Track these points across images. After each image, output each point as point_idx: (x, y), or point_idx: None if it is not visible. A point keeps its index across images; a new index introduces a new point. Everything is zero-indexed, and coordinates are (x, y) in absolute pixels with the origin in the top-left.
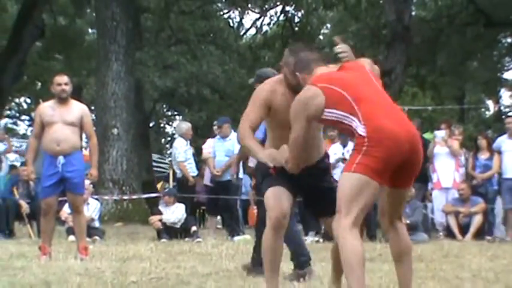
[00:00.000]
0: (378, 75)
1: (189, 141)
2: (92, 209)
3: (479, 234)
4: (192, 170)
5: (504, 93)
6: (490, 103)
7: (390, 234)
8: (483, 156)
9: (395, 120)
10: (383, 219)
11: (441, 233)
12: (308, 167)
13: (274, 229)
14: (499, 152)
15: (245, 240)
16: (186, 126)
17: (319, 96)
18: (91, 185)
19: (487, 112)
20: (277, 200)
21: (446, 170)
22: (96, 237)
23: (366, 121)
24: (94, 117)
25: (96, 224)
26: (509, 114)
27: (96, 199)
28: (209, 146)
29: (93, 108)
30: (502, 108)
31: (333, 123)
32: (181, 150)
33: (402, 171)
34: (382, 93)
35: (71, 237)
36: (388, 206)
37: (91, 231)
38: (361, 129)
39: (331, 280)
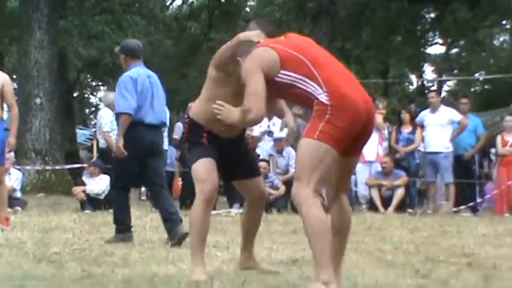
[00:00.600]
0: None
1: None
2: (13, 179)
3: (401, 207)
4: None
5: (427, 68)
6: (413, 77)
7: (333, 206)
8: (406, 130)
9: (355, 89)
10: (329, 190)
11: (364, 206)
12: (229, 138)
13: (206, 202)
14: (422, 126)
15: None
16: (112, 96)
17: (273, 53)
18: (12, 155)
19: (410, 86)
20: (209, 172)
21: (370, 143)
22: (18, 208)
23: (328, 88)
24: (16, 86)
25: (18, 194)
26: (432, 88)
27: (18, 169)
28: None
29: (15, 77)
30: (425, 82)
31: (286, 87)
32: (108, 121)
33: (356, 140)
34: (337, 61)
35: None
36: (337, 176)
37: (12, 202)
38: (323, 97)
39: (241, 248)
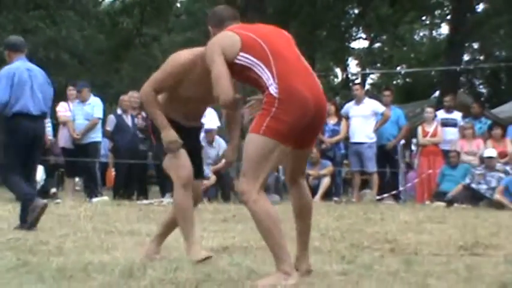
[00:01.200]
0: None
1: None
2: None
3: (327, 196)
4: (49, 133)
5: (351, 61)
6: (338, 71)
7: (292, 191)
8: (331, 121)
9: (308, 84)
10: (286, 177)
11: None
12: (194, 127)
13: (184, 187)
14: (347, 118)
15: (103, 201)
16: None
17: (235, 37)
18: None
19: (335, 79)
20: (183, 158)
21: None
22: None
23: (280, 80)
24: None
25: None
26: (356, 81)
27: None
28: (65, 109)
29: None
30: (349, 75)
31: (244, 69)
32: None
33: (307, 134)
34: (299, 55)
35: None
36: (291, 165)
37: None
38: (273, 88)
39: (156, 235)
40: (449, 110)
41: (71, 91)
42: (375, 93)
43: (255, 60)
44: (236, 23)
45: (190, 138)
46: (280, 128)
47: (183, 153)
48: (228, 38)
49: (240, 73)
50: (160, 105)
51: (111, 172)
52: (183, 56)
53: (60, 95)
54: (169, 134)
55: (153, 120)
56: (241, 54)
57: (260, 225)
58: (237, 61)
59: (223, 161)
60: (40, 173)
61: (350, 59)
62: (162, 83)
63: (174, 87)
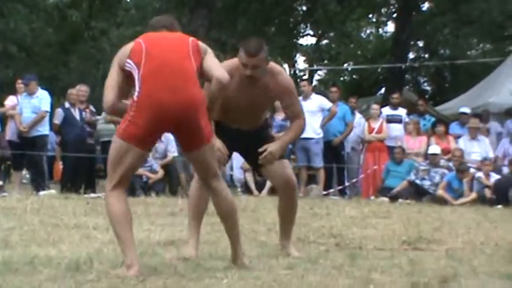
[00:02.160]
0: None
1: None
2: None
3: (274, 191)
4: None
5: (299, 58)
6: (286, 67)
7: (212, 196)
8: (279, 116)
9: (171, 87)
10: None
11: (239, 189)
12: (244, 132)
13: (198, 181)
14: None
15: (50, 194)
16: None
17: (130, 45)
18: None
19: None
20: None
21: None
22: None
23: (142, 83)
24: None
25: None
26: (304, 77)
27: None
28: (13, 103)
29: None
30: (297, 72)
31: (129, 74)
32: None
33: (181, 137)
34: (179, 59)
35: None
36: (195, 168)
37: None
38: (136, 93)
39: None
40: (395, 106)
41: (19, 84)
42: (322, 89)
43: (133, 64)
44: (169, 31)
45: (241, 140)
46: (134, 132)
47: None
48: (125, 47)
49: (129, 78)
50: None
51: (59, 165)
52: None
53: (8, 88)
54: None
55: None
56: (127, 60)
57: (110, 222)
58: (125, 67)
59: (170, 155)
60: None
61: (298, 55)
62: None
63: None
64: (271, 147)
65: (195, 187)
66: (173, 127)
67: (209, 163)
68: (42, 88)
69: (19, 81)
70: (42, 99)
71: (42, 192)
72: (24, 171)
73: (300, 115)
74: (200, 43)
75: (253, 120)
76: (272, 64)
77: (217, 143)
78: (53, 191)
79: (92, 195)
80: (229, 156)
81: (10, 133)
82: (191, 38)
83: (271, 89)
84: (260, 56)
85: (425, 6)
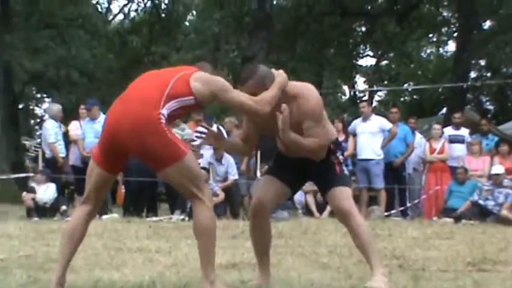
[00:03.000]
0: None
1: (59, 123)
2: None
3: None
4: (61, 151)
5: (359, 79)
6: (345, 88)
7: None
8: (339, 138)
9: (117, 110)
10: None
11: (300, 211)
12: (308, 161)
13: (251, 215)
14: (354, 135)
15: (113, 218)
16: (57, 108)
17: None
18: None
19: (343, 97)
20: (261, 188)
21: None
22: None
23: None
24: None
25: None
26: (364, 98)
27: None
28: (76, 128)
29: None
30: (356, 93)
31: None
32: (52, 132)
33: (141, 158)
34: (145, 86)
35: None
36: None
37: None
38: None
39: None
40: (457, 126)
41: (82, 110)
42: (382, 110)
43: None
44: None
45: (295, 165)
46: (96, 152)
47: (265, 183)
48: None
49: None
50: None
51: (121, 189)
52: None
53: (70, 113)
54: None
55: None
56: None
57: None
58: None
59: (230, 178)
60: (52, 190)
61: (357, 76)
62: (242, 133)
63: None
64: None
65: (250, 223)
66: (125, 148)
67: (180, 184)
68: (104, 113)
69: (82, 106)
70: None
71: (105, 216)
72: None
73: (316, 138)
74: (201, 77)
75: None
76: (296, 88)
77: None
78: (115, 215)
79: (154, 218)
80: (294, 191)
81: (73, 158)
82: (183, 72)
83: (294, 114)
84: (248, 83)
85: (487, 24)
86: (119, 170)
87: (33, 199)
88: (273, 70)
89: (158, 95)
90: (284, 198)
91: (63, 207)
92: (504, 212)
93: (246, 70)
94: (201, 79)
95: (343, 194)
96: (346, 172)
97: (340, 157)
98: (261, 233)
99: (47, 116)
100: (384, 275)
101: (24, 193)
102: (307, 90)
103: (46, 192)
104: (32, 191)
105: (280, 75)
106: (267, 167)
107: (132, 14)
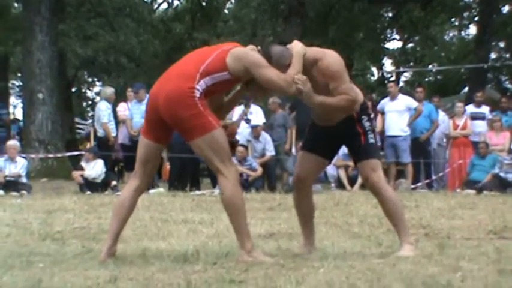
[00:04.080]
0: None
1: (111, 105)
2: (19, 166)
3: (365, 185)
4: (113, 131)
5: (386, 61)
6: (374, 70)
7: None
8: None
9: (159, 84)
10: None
11: (333, 185)
12: (330, 127)
13: (294, 189)
14: (382, 113)
15: (159, 192)
16: (110, 91)
17: None
18: (18, 144)
19: (371, 78)
20: (299, 164)
21: None
22: (24, 192)
23: None
24: (21, 83)
25: (24, 179)
26: (391, 79)
27: (24, 157)
28: (124, 109)
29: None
30: (384, 74)
31: None
32: (106, 113)
33: (174, 128)
34: (188, 58)
35: (0, 192)
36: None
37: (19, 186)
38: None
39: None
40: (478, 104)
41: (129, 92)
42: (409, 90)
43: None
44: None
45: (325, 137)
46: (143, 126)
47: (301, 159)
48: None
49: None
50: None
51: (167, 166)
52: None
53: (120, 96)
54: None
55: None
56: None
57: None
58: None
59: (268, 154)
60: (100, 166)
61: (385, 58)
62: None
63: None
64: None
65: (293, 196)
66: (160, 117)
67: (206, 156)
68: None
69: (129, 89)
70: None
71: (152, 191)
72: None
73: (346, 94)
74: (236, 52)
75: (330, 112)
76: (316, 52)
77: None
78: (161, 189)
79: (197, 192)
80: (330, 159)
81: (122, 137)
82: (221, 49)
83: (318, 77)
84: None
85: (506, 8)
86: (163, 141)
87: (82, 175)
88: (288, 45)
89: (194, 70)
90: (322, 169)
91: (114, 182)
92: None
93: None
94: (236, 54)
95: (371, 166)
96: (372, 141)
97: (366, 124)
98: (304, 206)
99: (99, 98)
100: (411, 244)
101: (74, 172)
102: (325, 53)
103: (94, 168)
104: (80, 168)
105: (295, 45)
106: (301, 142)
107: (176, 2)
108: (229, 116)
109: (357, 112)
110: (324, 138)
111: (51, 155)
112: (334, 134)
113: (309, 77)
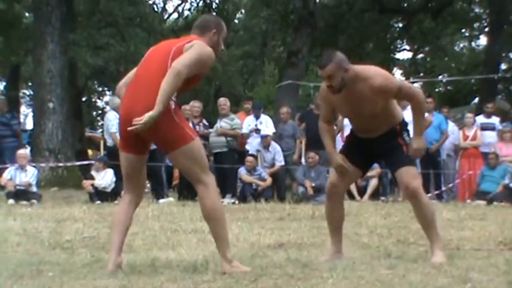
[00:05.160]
0: (188, 54)
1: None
2: (29, 175)
3: (375, 195)
4: None
5: (396, 71)
6: None
7: None
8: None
9: (131, 96)
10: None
11: None
12: (371, 138)
13: (327, 197)
14: None
15: (169, 202)
16: (118, 101)
17: None
18: (28, 153)
19: None
20: (334, 173)
21: None
22: (34, 201)
23: None
24: (32, 93)
25: (34, 188)
26: None
27: (34, 166)
28: None
29: (30, 84)
30: None
31: None
32: (114, 122)
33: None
34: (150, 66)
35: (10, 201)
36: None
37: (29, 195)
38: None
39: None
40: (488, 115)
41: None
42: None
43: None
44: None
45: (364, 147)
46: (120, 141)
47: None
48: None
49: None
50: (331, 132)
51: (176, 172)
52: (322, 88)
53: None
54: (333, 159)
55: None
56: None
57: None
58: None
59: (277, 164)
60: (110, 176)
61: (395, 69)
62: (323, 112)
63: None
64: (414, 145)
65: (325, 204)
66: (136, 132)
67: (185, 167)
68: None
69: None
70: None
71: (161, 200)
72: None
73: (411, 96)
74: (187, 45)
75: (373, 124)
76: (362, 70)
77: (338, 158)
78: (171, 199)
79: None
80: (365, 170)
81: None
82: (177, 45)
83: (368, 93)
84: (328, 67)
85: None
86: (144, 152)
87: (92, 185)
88: None
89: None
90: (355, 180)
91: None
92: None
93: (326, 56)
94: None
95: (411, 173)
96: (409, 153)
97: (407, 138)
98: (335, 213)
99: (108, 108)
100: (442, 250)
101: (84, 181)
102: (370, 73)
103: (104, 177)
104: (91, 177)
105: None
106: (339, 150)
107: (186, 12)
108: (240, 126)
109: (399, 125)
110: (364, 150)
111: (61, 164)
112: (374, 146)
113: (354, 91)
